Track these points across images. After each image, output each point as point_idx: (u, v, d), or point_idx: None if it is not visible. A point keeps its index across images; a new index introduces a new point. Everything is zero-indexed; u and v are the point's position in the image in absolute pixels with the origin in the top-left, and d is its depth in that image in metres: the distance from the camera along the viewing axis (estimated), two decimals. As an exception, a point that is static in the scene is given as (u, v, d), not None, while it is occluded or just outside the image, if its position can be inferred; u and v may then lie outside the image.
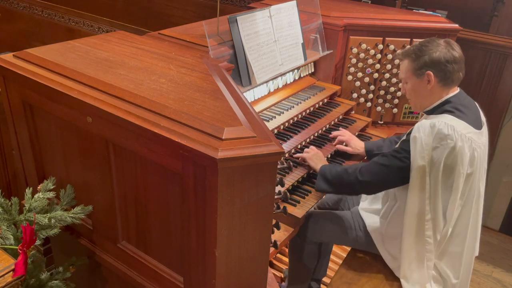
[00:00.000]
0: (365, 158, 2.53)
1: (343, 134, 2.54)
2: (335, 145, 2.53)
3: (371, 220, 2.19)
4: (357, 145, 2.50)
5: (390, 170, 1.94)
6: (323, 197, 2.28)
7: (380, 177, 1.96)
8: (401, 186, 1.97)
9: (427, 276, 2.00)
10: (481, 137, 1.91)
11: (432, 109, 1.96)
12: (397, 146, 2.00)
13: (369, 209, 2.25)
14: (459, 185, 1.87)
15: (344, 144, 2.53)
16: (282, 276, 2.83)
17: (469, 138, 1.84)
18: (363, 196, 2.37)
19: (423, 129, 1.84)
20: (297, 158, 2.33)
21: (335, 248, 3.02)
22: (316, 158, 2.27)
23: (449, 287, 2.03)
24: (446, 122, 1.82)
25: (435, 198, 1.90)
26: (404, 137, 1.96)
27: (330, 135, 2.58)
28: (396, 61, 2.85)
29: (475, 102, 2.02)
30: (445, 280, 2.03)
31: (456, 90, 1.96)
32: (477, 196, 1.95)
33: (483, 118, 2.01)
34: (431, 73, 1.90)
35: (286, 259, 2.98)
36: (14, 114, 1.99)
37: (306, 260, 2.37)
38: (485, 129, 1.98)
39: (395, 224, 2.05)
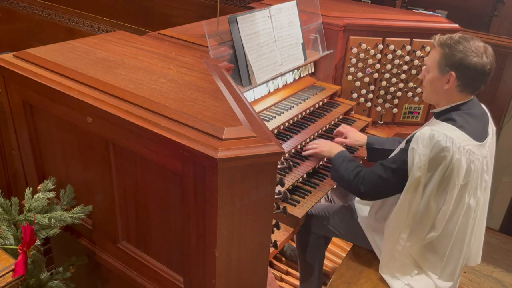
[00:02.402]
0: (365, 158, 2.53)
1: (343, 127, 2.57)
2: (334, 135, 2.55)
3: (363, 213, 2.21)
4: (357, 136, 2.50)
5: (389, 183, 1.96)
6: (324, 196, 2.29)
7: (380, 189, 1.99)
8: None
9: (405, 271, 2.04)
10: (481, 149, 1.89)
11: (440, 113, 1.95)
12: (395, 154, 2.00)
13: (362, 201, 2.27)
14: (453, 196, 1.87)
15: (344, 136, 2.54)
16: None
17: (467, 151, 1.83)
18: None
19: (422, 140, 1.82)
20: (307, 155, 2.34)
21: (335, 248, 3.02)
22: (325, 147, 2.29)
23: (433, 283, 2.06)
24: (446, 133, 1.81)
25: (426, 207, 1.91)
26: (403, 146, 1.95)
27: (333, 134, 2.60)
28: (396, 61, 2.85)
29: (487, 111, 2.00)
30: (428, 276, 2.06)
31: (470, 97, 1.93)
32: (466, 207, 1.93)
33: (492, 129, 1.99)
34: (454, 74, 1.85)
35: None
36: (14, 114, 1.99)
37: (313, 252, 2.40)
38: (490, 139, 1.96)
39: (382, 219, 2.07)
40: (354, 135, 2.51)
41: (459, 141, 1.81)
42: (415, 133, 1.88)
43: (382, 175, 1.96)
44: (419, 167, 1.83)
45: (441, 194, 1.89)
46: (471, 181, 1.90)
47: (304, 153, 2.36)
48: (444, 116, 1.92)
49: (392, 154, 2.07)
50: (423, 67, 1.98)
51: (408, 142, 1.89)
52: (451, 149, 1.80)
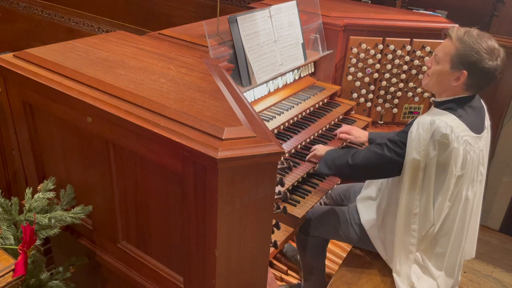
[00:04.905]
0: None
1: (345, 126, 2.61)
2: (338, 133, 2.58)
3: (366, 213, 2.20)
4: (359, 134, 2.53)
5: (382, 159, 1.94)
6: (324, 196, 2.29)
7: (371, 163, 1.97)
8: (388, 178, 1.98)
9: (412, 270, 2.04)
10: (478, 142, 1.91)
11: (440, 102, 1.95)
12: (394, 136, 1.99)
13: (364, 197, 2.26)
14: (450, 186, 1.88)
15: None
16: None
17: (465, 141, 1.84)
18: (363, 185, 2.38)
19: (422, 125, 1.84)
20: (308, 159, 2.36)
21: (335, 248, 3.02)
22: (321, 149, 2.32)
23: (436, 283, 2.05)
24: (446, 121, 1.83)
25: (427, 194, 1.91)
26: (403, 129, 1.95)
27: (333, 133, 2.63)
28: (396, 61, 2.85)
29: (484, 105, 2.01)
30: (431, 276, 2.05)
31: (472, 94, 1.92)
32: (464, 199, 1.95)
33: (487, 123, 2.00)
34: (466, 74, 1.82)
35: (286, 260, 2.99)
36: (14, 114, 1.99)
37: (313, 253, 2.41)
38: (486, 134, 1.97)
39: (389, 216, 2.07)
40: (358, 133, 2.54)
41: (458, 131, 1.83)
42: (415, 119, 1.89)
43: (377, 150, 1.95)
44: (418, 151, 1.84)
45: (438, 184, 1.89)
46: (467, 173, 1.91)
47: (306, 158, 2.37)
48: (445, 105, 1.92)
49: None
50: (433, 54, 1.94)
51: (408, 126, 1.90)
52: (450, 137, 1.81)
